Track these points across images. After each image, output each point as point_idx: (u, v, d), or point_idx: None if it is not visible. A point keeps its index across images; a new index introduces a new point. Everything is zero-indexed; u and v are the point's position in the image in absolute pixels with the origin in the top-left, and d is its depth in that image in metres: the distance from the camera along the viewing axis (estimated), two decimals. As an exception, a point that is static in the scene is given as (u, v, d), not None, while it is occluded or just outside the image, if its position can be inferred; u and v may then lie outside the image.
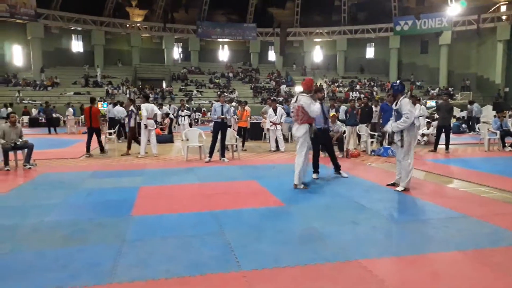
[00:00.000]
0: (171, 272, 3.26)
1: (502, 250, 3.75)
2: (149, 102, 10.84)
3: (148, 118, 10.35)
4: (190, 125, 15.48)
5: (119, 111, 14.23)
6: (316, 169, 7.44)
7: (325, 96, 7.71)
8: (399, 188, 6.28)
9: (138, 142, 10.91)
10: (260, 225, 4.51)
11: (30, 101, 28.39)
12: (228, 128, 10.85)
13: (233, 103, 18.03)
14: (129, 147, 10.97)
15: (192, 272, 3.27)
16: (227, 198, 5.91)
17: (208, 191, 6.31)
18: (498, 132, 11.92)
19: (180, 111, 15.29)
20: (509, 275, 3.25)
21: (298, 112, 6.40)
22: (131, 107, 11.57)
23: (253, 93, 34.72)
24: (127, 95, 29.42)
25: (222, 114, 9.43)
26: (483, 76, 35.07)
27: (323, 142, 7.62)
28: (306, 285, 3.07)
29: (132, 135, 11.28)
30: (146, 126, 10.37)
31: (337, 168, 7.57)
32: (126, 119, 12.41)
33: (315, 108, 6.31)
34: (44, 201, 5.68)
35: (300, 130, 6.44)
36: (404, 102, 6.17)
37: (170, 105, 22.10)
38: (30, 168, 8.48)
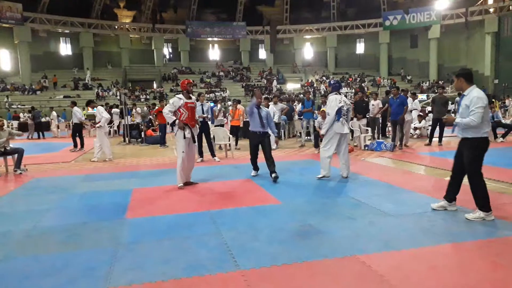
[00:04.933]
0: (168, 275, 3.22)
1: (499, 241, 3.76)
2: (96, 106, 11.53)
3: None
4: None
5: (75, 113, 12.29)
6: (255, 167, 7.45)
7: (262, 101, 7.60)
8: (319, 175, 6.83)
9: None
10: (256, 224, 4.48)
11: (19, 106, 28.08)
12: (221, 127, 10.85)
13: (229, 102, 17.94)
14: None
15: (189, 273, 3.23)
16: (222, 197, 5.86)
17: (202, 191, 6.25)
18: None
19: None
20: (507, 266, 3.25)
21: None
22: None
23: (244, 92, 34.65)
24: (117, 97, 29.19)
25: (203, 113, 9.40)
26: (473, 68, 35.28)
27: (257, 144, 7.25)
28: (304, 282, 3.05)
29: None
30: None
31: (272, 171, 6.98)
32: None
33: (165, 110, 6.50)
34: (37, 206, 5.59)
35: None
36: (329, 99, 6.79)
37: None
38: (20, 173, 8.38)
